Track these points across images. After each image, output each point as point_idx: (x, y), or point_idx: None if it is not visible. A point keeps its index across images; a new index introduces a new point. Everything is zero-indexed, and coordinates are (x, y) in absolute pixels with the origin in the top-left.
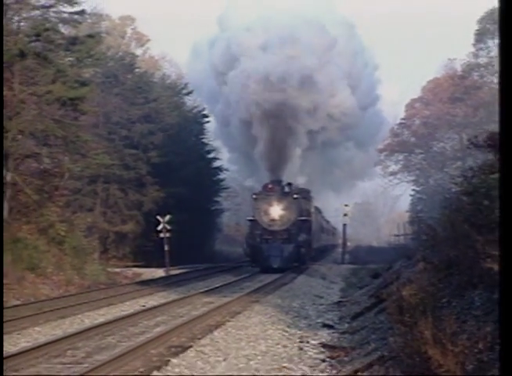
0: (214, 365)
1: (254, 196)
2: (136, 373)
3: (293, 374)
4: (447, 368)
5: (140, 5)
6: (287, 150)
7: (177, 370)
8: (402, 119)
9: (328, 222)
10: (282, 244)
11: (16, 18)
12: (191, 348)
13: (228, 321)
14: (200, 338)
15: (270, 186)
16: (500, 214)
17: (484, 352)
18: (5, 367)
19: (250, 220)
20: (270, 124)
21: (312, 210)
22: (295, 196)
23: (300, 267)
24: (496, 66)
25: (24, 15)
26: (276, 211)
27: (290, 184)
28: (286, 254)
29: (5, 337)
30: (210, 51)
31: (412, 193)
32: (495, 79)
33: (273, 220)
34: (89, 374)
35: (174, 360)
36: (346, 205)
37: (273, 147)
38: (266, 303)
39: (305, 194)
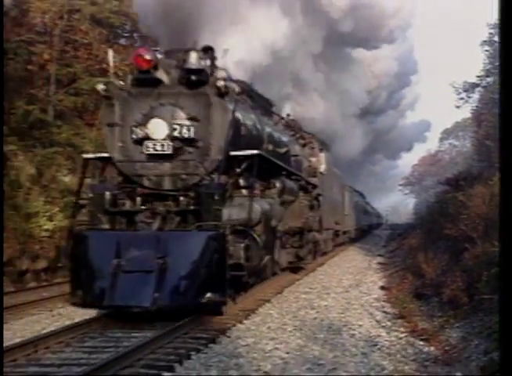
0: (335, 270)
1: (103, 92)
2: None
3: (367, 273)
4: (429, 272)
5: None
6: None
7: (319, 272)
8: (411, 172)
9: (374, 208)
10: (177, 231)
11: None
12: (324, 265)
13: (338, 254)
14: (328, 261)
15: (148, 56)
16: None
17: (444, 266)
18: None
19: (91, 158)
20: None
21: (324, 172)
22: (223, 83)
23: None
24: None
25: None
26: (161, 126)
27: (211, 49)
28: (178, 271)
29: None
30: None
31: (414, 202)
32: (447, 156)
33: (152, 155)
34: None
35: (319, 268)
36: (387, 207)
37: None
38: (355, 246)
39: (293, 122)
